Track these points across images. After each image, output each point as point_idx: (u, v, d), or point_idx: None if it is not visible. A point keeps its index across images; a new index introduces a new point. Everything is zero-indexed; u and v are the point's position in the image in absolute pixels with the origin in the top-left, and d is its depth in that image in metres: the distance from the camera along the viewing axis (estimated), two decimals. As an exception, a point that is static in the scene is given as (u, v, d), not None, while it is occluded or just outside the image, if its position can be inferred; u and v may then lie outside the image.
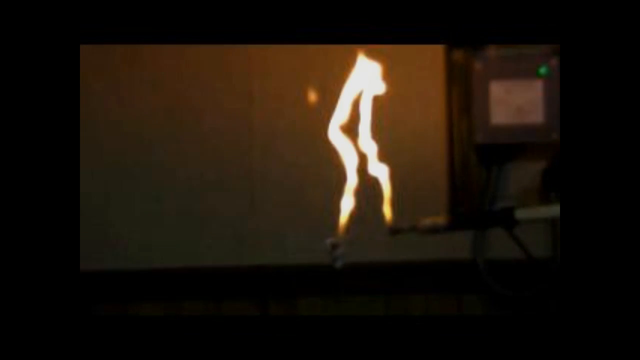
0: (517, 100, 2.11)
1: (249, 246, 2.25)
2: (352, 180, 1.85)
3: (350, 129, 1.87)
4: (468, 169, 2.16)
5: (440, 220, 1.57)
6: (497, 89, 2.11)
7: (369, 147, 1.95)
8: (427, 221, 1.62)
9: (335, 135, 1.88)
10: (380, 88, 2.02)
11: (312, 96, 2.19)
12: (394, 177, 2.21)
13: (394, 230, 1.63)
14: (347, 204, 1.82)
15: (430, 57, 2.16)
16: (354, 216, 1.89)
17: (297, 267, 2.22)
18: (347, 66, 1.95)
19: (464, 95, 2.15)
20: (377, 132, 2.10)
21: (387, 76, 2.17)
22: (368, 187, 2.20)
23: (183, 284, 2.27)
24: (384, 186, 2.23)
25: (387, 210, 1.71)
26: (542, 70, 2.10)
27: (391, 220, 1.63)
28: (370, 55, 2.14)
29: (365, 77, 1.98)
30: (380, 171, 2.25)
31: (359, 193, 2.14)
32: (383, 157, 2.20)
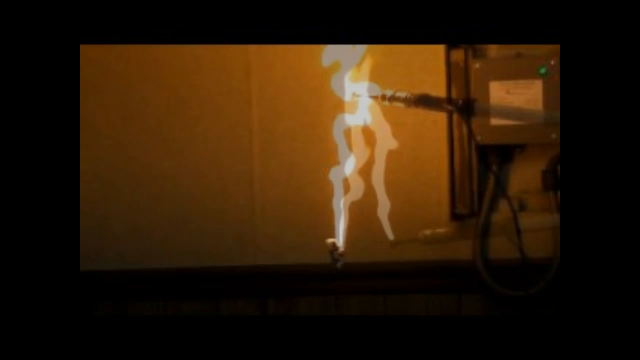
0: (517, 100, 2.11)
1: (249, 246, 2.25)
2: (352, 181, 1.85)
3: (351, 129, 1.87)
4: (468, 169, 2.16)
5: (441, 230, 1.59)
6: (497, 89, 2.11)
7: (369, 147, 1.95)
8: (428, 231, 1.64)
9: (335, 135, 1.88)
10: (380, 88, 2.02)
11: (312, 96, 2.19)
12: (394, 178, 2.22)
13: (395, 243, 1.65)
14: (346, 204, 1.82)
15: (430, 57, 2.16)
16: (353, 216, 1.89)
17: (297, 267, 2.22)
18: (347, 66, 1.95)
19: (464, 95, 2.15)
20: (377, 133, 2.11)
21: (387, 76, 2.17)
22: (368, 188, 2.20)
23: (183, 284, 2.27)
24: (383, 187, 2.23)
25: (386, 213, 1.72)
26: (542, 70, 2.10)
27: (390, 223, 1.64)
28: (371, 55, 2.14)
29: (365, 77, 1.98)
30: (380, 172, 2.25)
31: (359, 193, 2.15)
32: (383, 157, 2.20)
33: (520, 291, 2.08)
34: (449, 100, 1.64)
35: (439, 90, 2.15)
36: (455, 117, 2.17)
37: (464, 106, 1.62)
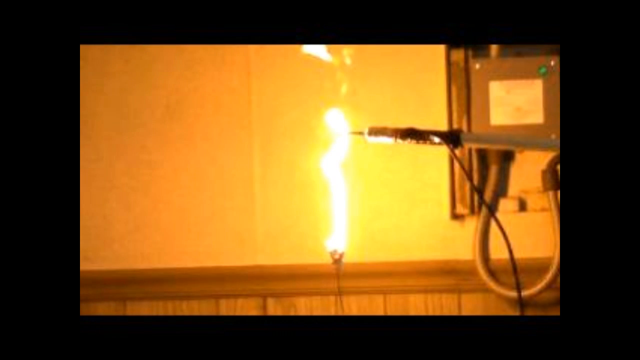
0: (517, 100, 2.11)
1: (249, 246, 2.25)
2: (352, 181, 1.85)
3: (350, 130, 1.87)
4: (468, 169, 2.16)
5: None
6: (497, 89, 2.12)
7: (369, 147, 1.94)
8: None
9: (335, 135, 1.88)
10: (378, 88, 2.02)
11: (312, 96, 2.19)
12: (394, 178, 2.22)
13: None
14: (346, 204, 1.82)
15: (430, 57, 2.16)
16: (353, 216, 1.89)
17: (297, 267, 2.22)
18: (346, 66, 1.95)
19: (464, 95, 2.15)
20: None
21: (387, 77, 2.17)
22: (368, 188, 2.20)
23: (183, 284, 2.27)
24: (383, 187, 2.23)
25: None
26: (542, 70, 2.10)
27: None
28: (370, 55, 2.14)
29: (364, 78, 1.98)
30: (380, 171, 2.25)
31: (359, 194, 2.15)
32: (383, 157, 2.20)
33: (521, 291, 2.08)
34: (435, 132, 1.65)
35: (439, 90, 2.15)
36: (455, 116, 2.17)
37: (450, 137, 1.62)
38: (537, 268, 2.11)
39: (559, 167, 2.12)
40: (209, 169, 2.26)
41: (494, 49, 2.14)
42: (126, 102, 2.29)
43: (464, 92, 2.15)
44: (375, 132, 1.69)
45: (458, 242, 2.19)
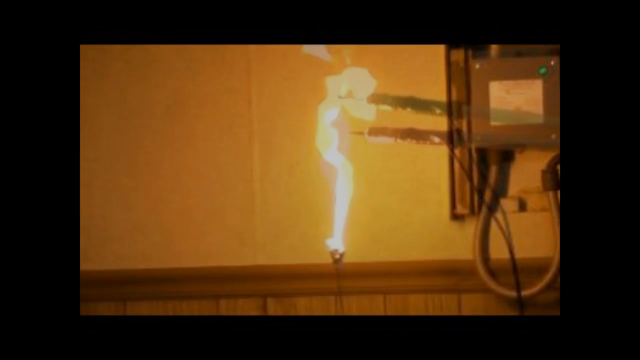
0: (517, 100, 2.11)
1: (249, 246, 2.25)
2: (351, 181, 1.85)
3: (350, 129, 1.87)
4: (468, 168, 2.16)
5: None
6: (497, 89, 2.11)
7: (369, 147, 1.95)
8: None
9: (335, 135, 1.88)
10: (378, 87, 2.02)
11: (312, 96, 2.19)
12: (394, 178, 2.22)
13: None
14: (346, 204, 1.82)
15: (430, 57, 2.16)
16: (353, 216, 1.89)
17: (297, 267, 2.22)
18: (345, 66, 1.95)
19: (464, 95, 2.15)
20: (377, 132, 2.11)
21: (387, 77, 2.17)
22: (368, 188, 2.20)
23: (182, 284, 2.27)
24: (383, 187, 2.23)
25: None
26: (542, 70, 2.10)
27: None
28: (370, 54, 2.14)
29: (363, 77, 1.98)
30: (380, 171, 2.25)
31: (359, 193, 2.15)
32: (383, 157, 2.20)
33: (521, 291, 2.08)
34: (435, 132, 1.66)
35: (439, 90, 2.15)
36: (455, 117, 2.17)
37: (450, 137, 1.64)
38: (537, 268, 2.11)
39: (559, 167, 2.12)
40: (209, 169, 2.26)
41: (494, 49, 2.14)
42: (126, 102, 2.29)
43: (464, 92, 2.15)
44: (375, 132, 1.70)
45: (458, 242, 2.19)
